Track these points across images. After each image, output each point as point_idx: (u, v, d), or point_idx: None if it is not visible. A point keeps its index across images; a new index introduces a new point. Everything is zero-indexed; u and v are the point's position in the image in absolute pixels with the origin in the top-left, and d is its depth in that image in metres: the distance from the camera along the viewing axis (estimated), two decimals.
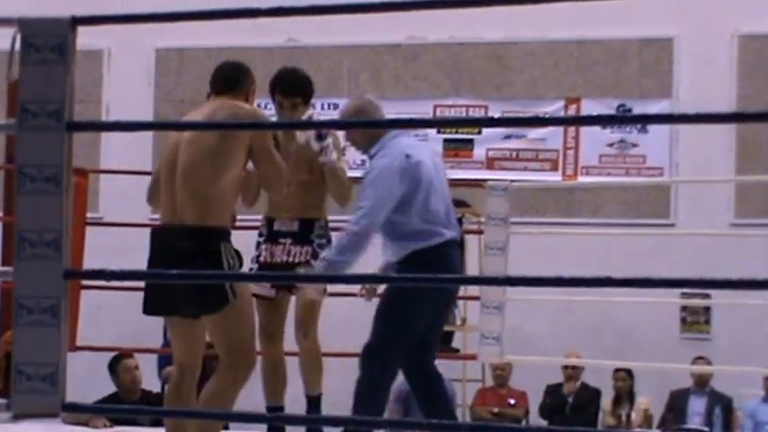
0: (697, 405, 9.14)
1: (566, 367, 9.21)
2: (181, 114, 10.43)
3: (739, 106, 9.73)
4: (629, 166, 10.20)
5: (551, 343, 9.37)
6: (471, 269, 7.94)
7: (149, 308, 4.28)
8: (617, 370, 9.17)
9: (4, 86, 7.08)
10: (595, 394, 9.33)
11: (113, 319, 9.63)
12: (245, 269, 4.61)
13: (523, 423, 9.31)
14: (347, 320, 8.78)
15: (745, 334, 9.21)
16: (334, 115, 10.32)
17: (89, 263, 6.61)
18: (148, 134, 10.44)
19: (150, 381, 7.82)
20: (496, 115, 10.19)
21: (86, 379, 7.08)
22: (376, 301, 4.88)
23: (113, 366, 7.23)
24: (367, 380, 4.73)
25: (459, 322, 8.92)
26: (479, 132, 10.45)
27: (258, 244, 5.09)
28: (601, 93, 10.22)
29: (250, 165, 4.33)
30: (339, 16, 5.57)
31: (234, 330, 4.17)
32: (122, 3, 6.85)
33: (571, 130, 10.30)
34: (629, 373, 9.16)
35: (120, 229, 8.83)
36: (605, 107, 10.05)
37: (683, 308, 9.90)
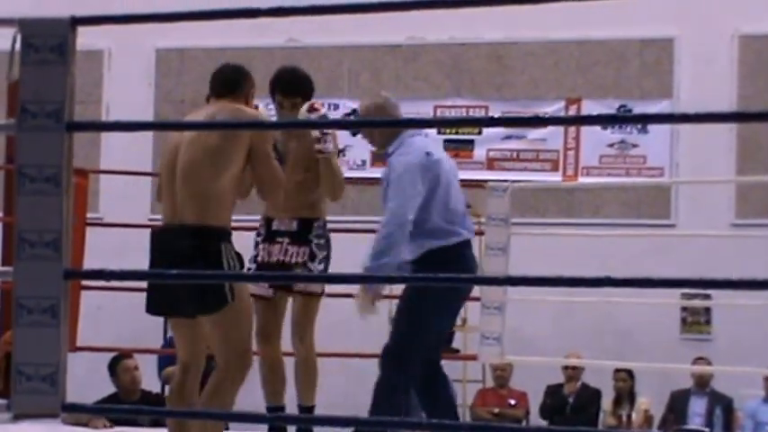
0: (697, 405, 9.14)
1: (566, 368, 9.21)
2: (181, 115, 10.43)
3: (740, 106, 9.73)
4: (629, 167, 10.19)
5: (552, 343, 9.37)
6: None
7: (151, 308, 4.30)
8: (617, 370, 9.17)
9: (4, 87, 7.08)
10: (596, 395, 9.33)
11: (113, 320, 9.63)
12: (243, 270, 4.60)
13: (524, 423, 9.31)
14: (347, 320, 8.78)
15: (745, 334, 9.21)
16: (334, 116, 10.33)
17: (89, 263, 6.61)
18: (148, 134, 10.44)
19: (150, 381, 7.82)
20: (497, 116, 10.19)
21: (86, 379, 7.08)
22: (377, 305, 4.83)
23: (113, 367, 7.23)
24: (385, 381, 4.70)
25: (459, 322, 8.92)
26: (480, 133, 10.44)
27: (256, 244, 5.08)
28: (601, 93, 10.22)
29: None
30: (339, 16, 5.56)
31: (231, 331, 4.18)
32: (122, 3, 6.84)
33: (571, 130, 10.30)
34: (629, 373, 9.16)
35: (120, 229, 8.84)
36: (606, 107, 10.05)
37: (684, 308, 9.90)
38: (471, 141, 10.40)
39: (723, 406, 9.04)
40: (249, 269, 4.98)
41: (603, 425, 9.08)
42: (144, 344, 8.45)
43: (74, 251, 3.73)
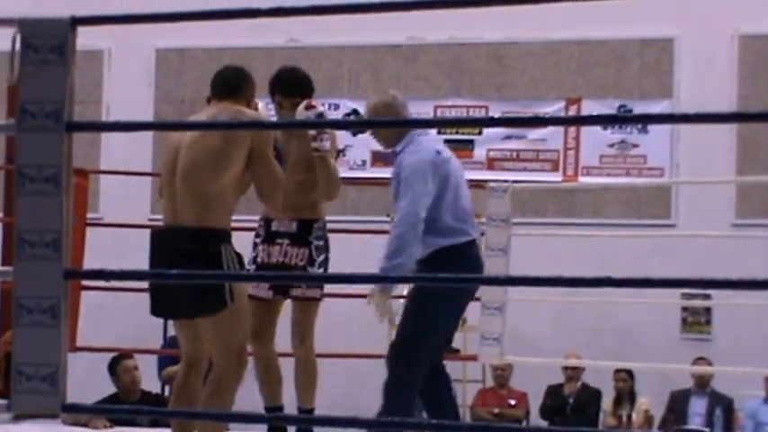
0: (698, 406, 9.14)
1: (566, 368, 9.21)
2: (181, 115, 10.44)
3: (740, 106, 9.73)
4: (629, 167, 10.19)
5: (552, 343, 9.36)
6: None
7: (155, 310, 4.32)
8: (618, 370, 9.17)
9: (4, 87, 7.08)
10: (596, 395, 9.32)
11: (113, 320, 9.64)
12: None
13: (524, 424, 9.31)
14: (347, 320, 8.79)
15: (745, 334, 9.21)
16: (334, 116, 10.33)
17: (89, 263, 6.61)
18: (148, 134, 10.44)
19: (150, 381, 7.82)
20: (497, 116, 10.19)
21: (86, 379, 7.08)
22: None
23: (113, 367, 7.23)
24: (394, 380, 4.68)
25: (459, 323, 8.91)
26: (480, 133, 10.44)
27: (255, 245, 5.06)
28: (601, 93, 10.22)
29: None
30: (339, 16, 5.57)
31: (229, 333, 4.18)
32: (122, 3, 6.84)
33: (572, 130, 10.30)
34: (629, 373, 9.15)
35: (120, 229, 8.83)
36: (606, 107, 10.04)
37: (684, 308, 9.89)
38: (471, 141, 10.40)
39: (723, 406, 9.03)
40: (248, 270, 4.97)
41: (604, 425, 9.08)
42: (144, 344, 8.46)
43: (74, 251, 3.73)
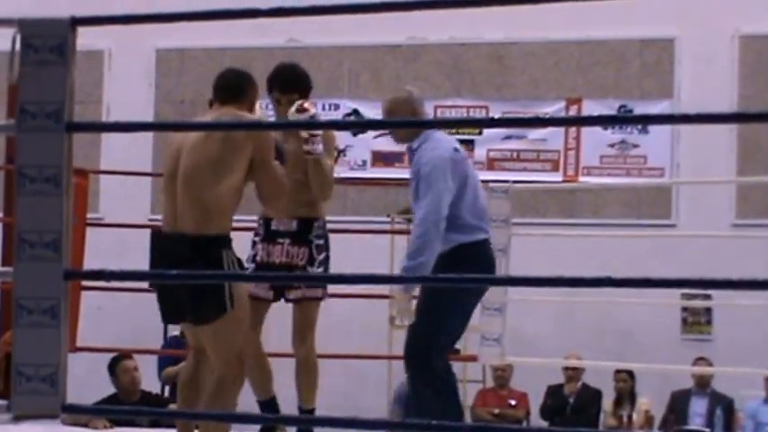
0: (698, 406, 9.14)
1: (566, 368, 9.21)
2: (181, 115, 10.45)
3: (740, 106, 9.73)
4: (630, 167, 10.19)
5: (552, 344, 9.36)
6: None
7: (164, 317, 4.37)
8: (618, 371, 9.17)
9: (4, 87, 7.08)
10: (596, 395, 9.32)
11: (113, 320, 9.63)
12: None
13: (524, 424, 9.31)
14: (347, 320, 8.79)
15: (745, 335, 9.21)
16: (334, 116, 10.34)
17: (89, 263, 6.60)
18: (148, 135, 10.44)
19: (150, 382, 7.82)
20: (497, 116, 10.18)
21: (86, 380, 7.08)
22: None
23: (113, 367, 7.22)
24: (418, 379, 4.65)
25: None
26: (480, 133, 10.44)
27: (254, 243, 5.05)
28: (602, 93, 10.22)
29: None
30: (340, 16, 5.56)
31: (229, 338, 4.19)
32: (122, 3, 6.85)
33: (572, 130, 10.30)
34: (630, 373, 9.15)
35: (120, 229, 8.83)
36: (606, 108, 10.05)
37: (684, 309, 9.89)
38: (471, 141, 10.40)
39: (724, 406, 9.03)
40: (247, 269, 4.96)
41: (604, 425, 9.08)
42: (144, 344, 8.46)
43: (74, 251, 3.72)
